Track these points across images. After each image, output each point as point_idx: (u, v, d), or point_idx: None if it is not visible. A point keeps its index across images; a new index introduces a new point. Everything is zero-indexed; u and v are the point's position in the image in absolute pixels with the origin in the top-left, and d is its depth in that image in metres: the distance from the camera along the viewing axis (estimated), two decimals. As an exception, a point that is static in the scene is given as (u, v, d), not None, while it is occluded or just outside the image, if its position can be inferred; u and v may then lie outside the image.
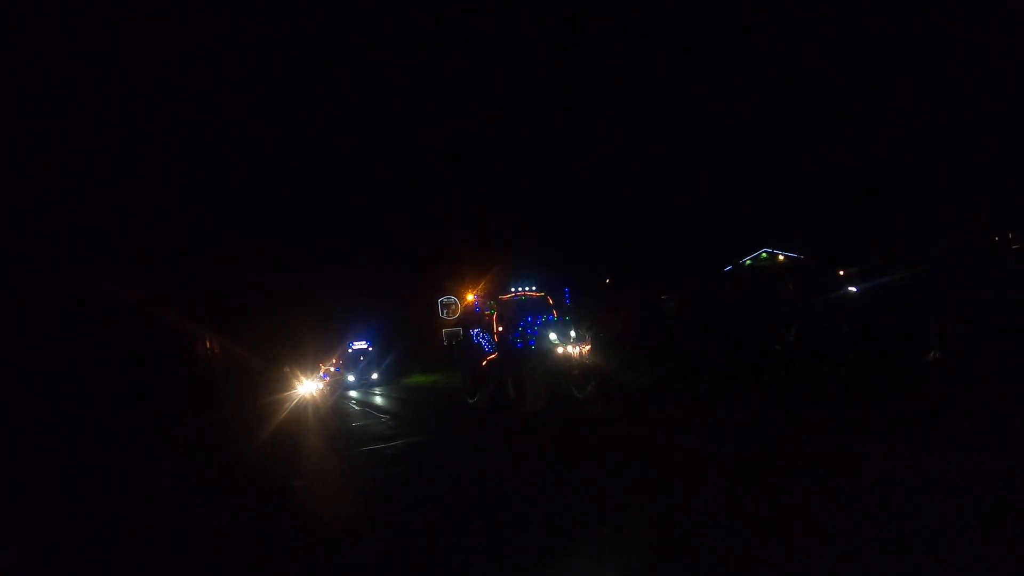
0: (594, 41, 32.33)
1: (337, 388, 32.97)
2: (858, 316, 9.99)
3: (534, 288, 11.57)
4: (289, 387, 36.16)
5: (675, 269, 23.68)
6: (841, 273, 13.81)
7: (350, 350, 35.33)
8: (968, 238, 7.99)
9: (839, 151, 21.98)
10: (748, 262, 27.91)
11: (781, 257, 27.49)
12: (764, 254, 28.13)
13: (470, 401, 11.83)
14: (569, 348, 9.84)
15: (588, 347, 9.92)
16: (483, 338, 11.48)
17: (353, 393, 27.41)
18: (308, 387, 37.32)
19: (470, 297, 12.89)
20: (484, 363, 11.23)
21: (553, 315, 10.86)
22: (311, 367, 41.18)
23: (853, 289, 11.65)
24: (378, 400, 20.36)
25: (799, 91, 25.32)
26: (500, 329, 10.95)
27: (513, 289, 11.54)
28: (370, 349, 34.81)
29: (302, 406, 20.73)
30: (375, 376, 32.21)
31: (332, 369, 42.31)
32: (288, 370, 39.99)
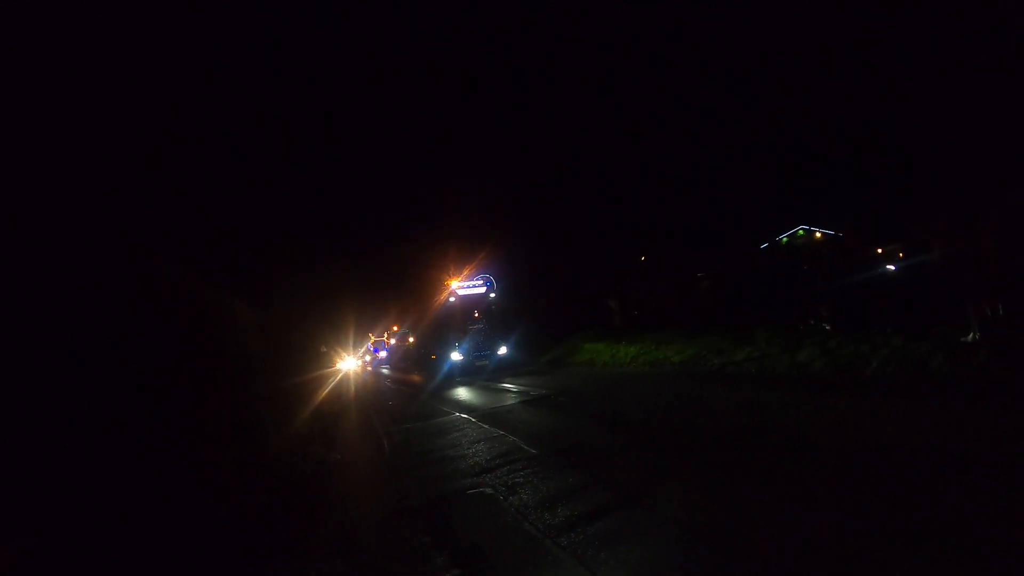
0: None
1: (431, 379, 17.69)
2: (895, 295, 10.04)
3: None
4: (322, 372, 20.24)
5: (711, 246, 23.51)
6: (879, 251, 13.74)
7: (452, 298, 19.55)
8: (1010, 216, 7.93)
9: (877, 126, 21.48)
10: (784, 239, 27.64)
11: (818, 234, 27.15)
12: (801, 231, 27.82)
13: None
14: None
15: None
16: None
17: (464, 394, 12.32)
18: (349, 365, 30.30)
19: None
20: None
21: None
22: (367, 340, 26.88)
23: (891, 267, 11.64)
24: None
25: (836, 64, 24.63)
26: None
27: None
28: (492, 295, 19.89)
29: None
30: (503, 351, 17.48)
31: (403, 340, 26.58)
32: (325, 349, 26.24)
